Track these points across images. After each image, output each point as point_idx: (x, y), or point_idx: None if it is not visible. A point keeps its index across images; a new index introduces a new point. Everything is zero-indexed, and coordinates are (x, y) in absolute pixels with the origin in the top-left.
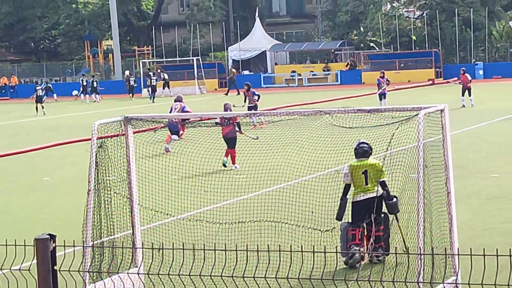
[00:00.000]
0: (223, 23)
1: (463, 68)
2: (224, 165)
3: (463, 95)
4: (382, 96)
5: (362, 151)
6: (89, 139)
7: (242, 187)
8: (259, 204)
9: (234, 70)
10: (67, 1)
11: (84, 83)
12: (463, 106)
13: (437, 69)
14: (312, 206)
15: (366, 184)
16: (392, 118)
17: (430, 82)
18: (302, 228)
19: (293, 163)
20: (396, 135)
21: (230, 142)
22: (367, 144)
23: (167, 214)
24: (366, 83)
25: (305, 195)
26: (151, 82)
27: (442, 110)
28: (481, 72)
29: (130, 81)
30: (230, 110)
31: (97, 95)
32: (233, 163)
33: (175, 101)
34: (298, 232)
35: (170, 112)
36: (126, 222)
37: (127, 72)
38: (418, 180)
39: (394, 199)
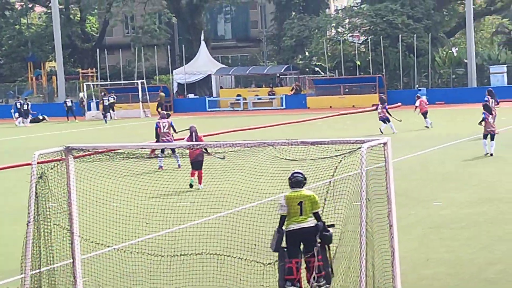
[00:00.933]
0: (168, 46)
1: (418, 95)
2: (191, 186)
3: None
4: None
5: (296, 181)
6: (25, 164)
7: (185, 215)
8: (203, 233)
9: (162, 94)
10: (10, 22)
11: (19, 106)
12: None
13: (381, 94)
14: (255, 236)
15: (301, 214)
16: (336, 150)
17: (374, 107)
18: (244, 261)
19: (237, 191)
20: (339, 166)
21: (198, 164)
22: (301, 174)
23: (108, 246)
24: (311, 107)
25: (248, 223)
26: (103, 102)
27: (385, 144)
28: (424, 97)
29: (67, 102)
30: (196, 133)
31: (26, 119)
32: (200, 183)
33: (161, 118)
34: (240, 265)
35: (157, 128)
36: (66, 252)
37: (81, 94)
38: (361, 213)
39: (330, 230)
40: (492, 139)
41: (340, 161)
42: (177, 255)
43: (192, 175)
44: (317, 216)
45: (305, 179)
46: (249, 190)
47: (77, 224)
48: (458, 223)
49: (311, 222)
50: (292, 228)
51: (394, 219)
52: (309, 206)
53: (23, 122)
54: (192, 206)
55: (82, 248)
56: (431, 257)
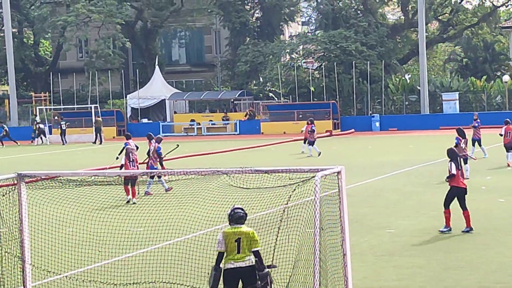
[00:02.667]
0: (122, 70)
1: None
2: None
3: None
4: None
5: (237, 217)
6: None
7: (138, 241)
8: (155, 260)
9: (99, 119)
10: None
11: None
12: None
13: (335, 121)
14: (208, 264)
15: (238, 252)
16: (290, 179)
17: (328, 133)
18: None
19: (190, 218)
20: (293, 195)
21: (132, 181)
22: (242, 210)
23: (59, 274)
24: (265, 133)
25: (201, 250)
26: (61, 126)
27: (338, 172)
28: (377, 124)
29: (39, 125)
30: (159, 142)
31: None
32: (133, 196)
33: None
34: None
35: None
36: (17, 279)
37: (37, 119)
38: (315, 242)
39: (266, 270)
40: (465, 162)
41: (294, 189)
42: (129, 284)
43: (128, 192)
44: (256, 254)
45: (246, 215)
46: (202, 217)
47: (28, 251)
48: (410, 251)
49: (248, 261)
50: (228, 267)
51: (348, 248)
52: (247, 244)
53: None
54: (145, 233)
55: (34, 276)
56: (383, 285)
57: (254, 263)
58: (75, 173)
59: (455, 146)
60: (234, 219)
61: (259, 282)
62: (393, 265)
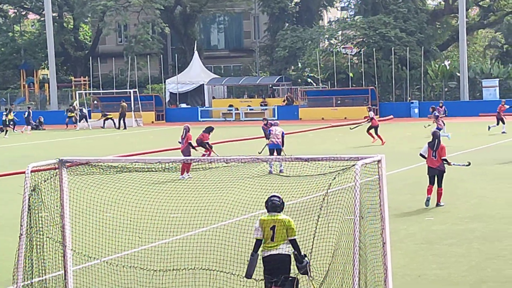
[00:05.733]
0: (161, 55)
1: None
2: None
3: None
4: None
5: (273, 205)
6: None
7: (177, 227)
8: (195, 246)
9: (124, 104)
10: (3, 29)
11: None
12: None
13: (374, 107)
14: (248, 250)
15: (272, 240)
16: (330, 167)
17: (367, 119)
18: (237, 277)
19: (229, 203)
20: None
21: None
22: (278, 197)
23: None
24: (303, 119)
25: (240, 236)
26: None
27: (379, 161)
28: (416, 110)
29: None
30: (188, 130)
31: (28, 127)
32: (185, 172)
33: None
34: (233, 281)
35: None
36: (58, 264)
37: (75, 103)
38: (354, 230)
39: (305, 261)
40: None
41: (334, 178)
42: (169, 270)
43: (182, 171)
44: (293, 243)
45: (282, 203)
46: (241, 203)
47: (69, 237)
48: (450, 239)
49: (282, 249)
50: (264, 255)
51: (388, 237)
52: (283, 232)
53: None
54: (183, 218)
55: (74, 261)
56: (423, 273)
57: (289, 252)
58: (116, 159)
59: None
60: (270, 207)
61: (300, 271)
62: (433, 254)
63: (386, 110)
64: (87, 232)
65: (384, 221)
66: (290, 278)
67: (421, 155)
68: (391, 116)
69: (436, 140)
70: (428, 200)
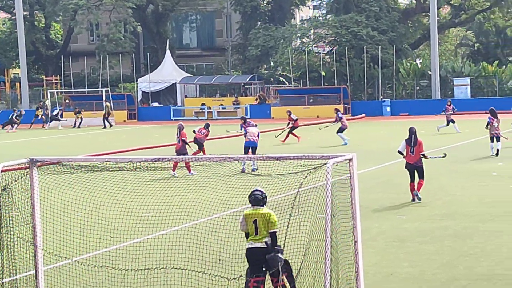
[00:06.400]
0: (133, 54)
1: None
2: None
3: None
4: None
5: (255, 199)
6: None
7: (149, 226)
8: (167, 245)
9: (108, 103)
10: None
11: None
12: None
13: (345, 105)
14: (219, 249)
15: (256, 233)
16: (301, 166)
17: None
18: (208, 276)
19: (201, 202)
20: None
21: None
22: (261, 192)
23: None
24: (275, 117)
25: (212, 235)
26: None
27: (350, 160)
28: (388, 109)
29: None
30: (182, 128)
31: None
32: (189, 171)
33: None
34: (205, 280)
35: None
36: (29, 264)
37: (46, 102)
38: (326, 228)
39: (272, 253)
40: (498, 140)
41: (306, 176)
42: (141, 269)
43: (174, 169)
44: (272, 236)
45: (265, 197)
46: (213, 202)
47: (40, 237)
48: (422, 237)
49: (266, 242)
50: (248, 247)
51: (359, 235)
52: (264, 225)
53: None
54: (156, 217)
55: (45, 260)
56: (394, 271)
57: (267, 245)
58: (87, 159)
59: (487, 125)
60: (253, 201)
61: (266, 264)
62: (404, 252)
63: (358, 108)
64: (58, 232)
65: (355, 220)
66: (285, 265)
67: (399, 152)
68: (363, 115)
69: (413, 136)
70: (416, 195)
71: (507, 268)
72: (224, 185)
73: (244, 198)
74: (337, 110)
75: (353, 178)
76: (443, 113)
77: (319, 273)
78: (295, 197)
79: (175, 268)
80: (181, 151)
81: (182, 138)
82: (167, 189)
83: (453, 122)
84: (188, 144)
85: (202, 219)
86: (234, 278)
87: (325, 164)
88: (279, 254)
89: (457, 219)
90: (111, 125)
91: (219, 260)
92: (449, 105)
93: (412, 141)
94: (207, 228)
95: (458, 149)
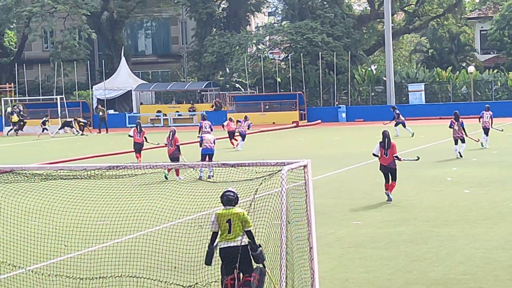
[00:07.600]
0: (88, 61)
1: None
2: (166, 178)
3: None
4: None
5: (228, 199)
6: None
7: (104, 234)
8: (122, 253)
9: (101, 107)
10: None
11: None
12: None
13: (301, 112)
14: (175, 257)
15: (229, 232)
16: (256, 173)
17: (295, 124)
18: (164, 283)
19: (156, 210)
20: (259, 188)
21: (175, 160)
22: (233, 192)
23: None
24: None
25: (167, 243)
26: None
27: (305, 166)
28: (344, 115)
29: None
30: (174, 133)
31: None
32: (177, 175)
33: (203, 119)
34: None
35: (200, 127)
36: None
37: (8, 109)
38: (281, 235)
39: (259, 250)
40: (462, 142)
41: (261, 183)
42: (95, 278)
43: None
44: (248, 234)
45: (237, 197)
46: (168, 210)
47: None
48: (377, 243)
49: (240, 240)
50: (222, 246)
51: (314, 241)
52: (239, 224)
53: None
54: (110, 226)
55: None
56: (350, 277)
57: (246, 243)
58: (41, 167)
59: (450, 127)
60: (225, 202)
61: (255, 260)
62: (360, 257)
63: (314, 114)
64: (12, 241)
65: (310, 226)
66: (255, 267)
67: (374, 154)
68: (319, 121)
69: (387, 139)
70: (387, 195)
71: (461, 273)
72: (180, 192)
73: (199, 205)
74: (394, 108)
75: (308, 184)
76: (394, 120)
77: (274, 279)
78: (250, 204)
79: (131, 277)
80: (174, 155)
81: (177, 144)
82: (122, 197)
83: (404, 125)
84: (179, 151)
85: (158, 226)
86: (190, 286)
87: (280, 170)
88: (261, 249)
89: (412, 224)
90: (106, 131)
91: (175, 267)
92: (393, 110)
93: (386, 144)
94: (163, 235)
95: (413, 154)
